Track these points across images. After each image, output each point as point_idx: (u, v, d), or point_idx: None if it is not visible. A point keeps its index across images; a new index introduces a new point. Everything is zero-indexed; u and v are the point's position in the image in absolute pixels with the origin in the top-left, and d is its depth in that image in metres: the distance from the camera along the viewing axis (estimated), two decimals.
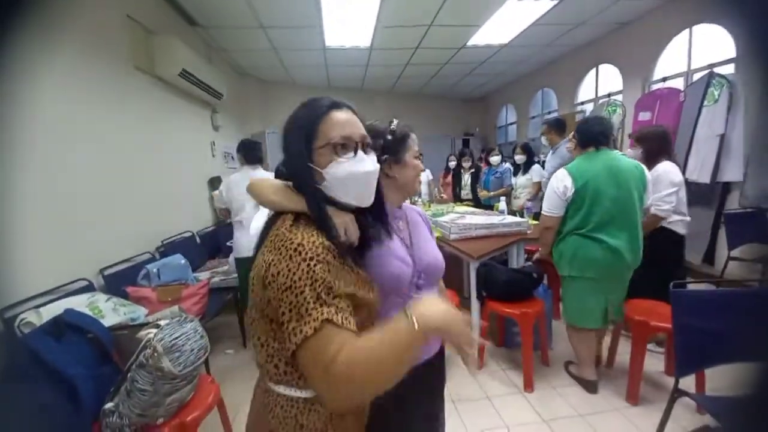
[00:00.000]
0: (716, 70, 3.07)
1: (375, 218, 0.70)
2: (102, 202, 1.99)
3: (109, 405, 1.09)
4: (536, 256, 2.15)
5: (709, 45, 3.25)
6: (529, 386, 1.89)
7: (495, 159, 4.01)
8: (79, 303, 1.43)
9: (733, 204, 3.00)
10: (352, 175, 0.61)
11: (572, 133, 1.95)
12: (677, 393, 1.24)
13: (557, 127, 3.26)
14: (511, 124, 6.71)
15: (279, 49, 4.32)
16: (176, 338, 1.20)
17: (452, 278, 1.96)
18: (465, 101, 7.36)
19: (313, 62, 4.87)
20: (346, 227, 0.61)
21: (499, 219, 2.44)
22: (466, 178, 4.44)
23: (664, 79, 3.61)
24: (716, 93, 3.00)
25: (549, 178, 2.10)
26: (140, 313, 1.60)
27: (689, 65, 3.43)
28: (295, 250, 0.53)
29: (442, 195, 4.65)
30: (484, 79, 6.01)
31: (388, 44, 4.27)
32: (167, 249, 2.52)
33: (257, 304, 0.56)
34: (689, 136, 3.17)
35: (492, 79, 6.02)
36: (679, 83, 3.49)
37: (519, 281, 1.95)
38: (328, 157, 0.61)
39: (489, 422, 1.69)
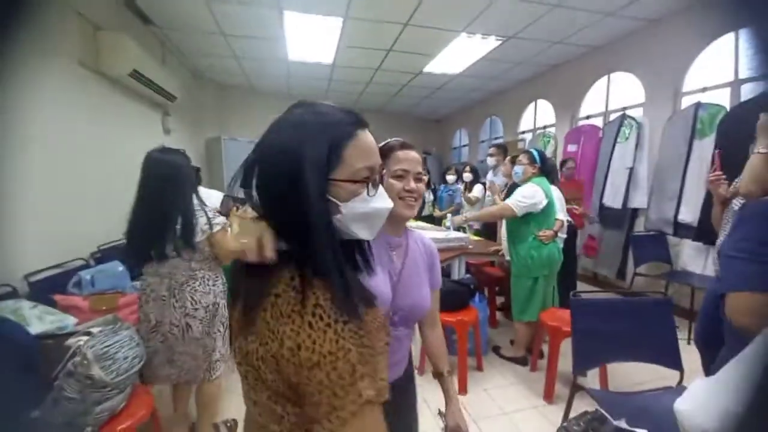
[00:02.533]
0: (628, 112, 3.64)
1: (357, 248, 0.56)
2: (31, 202, 1.86)
3: (34, 414, 1.05)
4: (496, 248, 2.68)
5: (623, 90, 3.83)
6: (462, 389, 2.06)
7: (450, 178, 4.31)
8: (1, 310, 1.34)
9: (639, 227, 3.52)
10: (377, 211, 0.51)
11: (522, 155, 2.37)
12: (575, 388, 1.45)
13: (504, 151, 3.73)
14: (464, 146, 7.20)
15: (240, 57, 4.32)
16: (109, 346, 1.18)
17: None
18: (424, 121, 7.77)
19: (275, 72, 4.91)
20: (262, 240, 0.46)
21: (444, 235, 2.65)
22: (427, 196, 4.59)
23: (588, 117, 4.17)
24: (627, 132, 3.55)
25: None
26: (69, 322, 1.52)
27: (607, 106, 4.01)
28: (314, 314, 0.42)
29: None
30: (440, 103, 6.42)
31: (351, 63, 4.46)
32: (104, 255, 2.38)
33: (267, 385, 0.44)
34: (606, 167, 3.68)
35: (448, 103, 6.45)
36: (599, 121, 4.05)
37: (458, 292, 2.13)
38: (348, 188, 0.48)
39: (422, 424, 1.81)
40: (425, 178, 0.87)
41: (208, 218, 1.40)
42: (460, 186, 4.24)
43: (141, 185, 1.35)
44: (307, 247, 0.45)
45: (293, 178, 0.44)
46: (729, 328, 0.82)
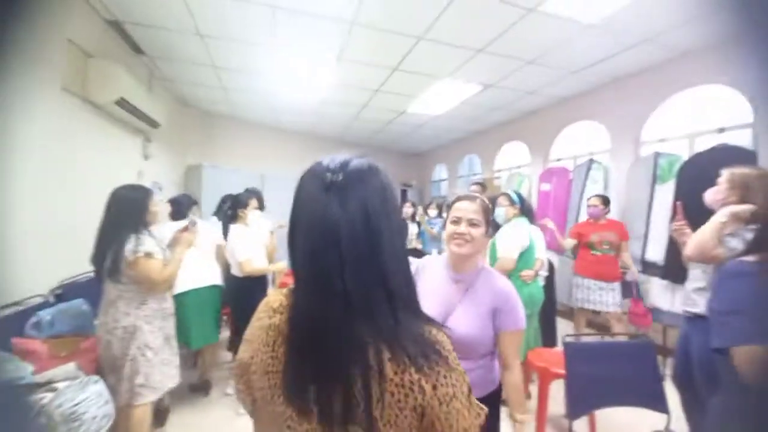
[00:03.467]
0: (596, 156, 3.94)
1: None
2: None
3: None
4: None
5: (591, 136, 4.18)
6: None
7: (433, 212, 4.41)
8: None
9: None
10: None
11: (501, 197, 2.47)
12: None
13: (484, 189, 3.88)
14: (444, 180, 7.46)
15: (229, 89, 4.37)
16: (77, 405, 1.06)
17: None
18: (406, 156, 8.03)
19: (264, 105, 4.98)
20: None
21: None
22: (413, 228, 4.53)
23: (559, 160, 4.48)
24: (595, 175, 3.83)
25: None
26: (27, 371, 1.35)
27: (575, 151, 4.34)
28: (450, 351, 0.49)
29: None
30: (422, 140, 6.70)
31: (340, 101, 4.61)
32: (66, 291, 2.18)
33: None
34: (577, 208, 3.92)
35: (428, 140, 6.75)
36: (569, 163, 4.36)
37: None
38: None
39: None
40: (480, 225, 1.04)
41: (135, 245, 1.51)
42: (442, 219, 4.34)
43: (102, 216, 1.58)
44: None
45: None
46: (728, 376, 0.87)
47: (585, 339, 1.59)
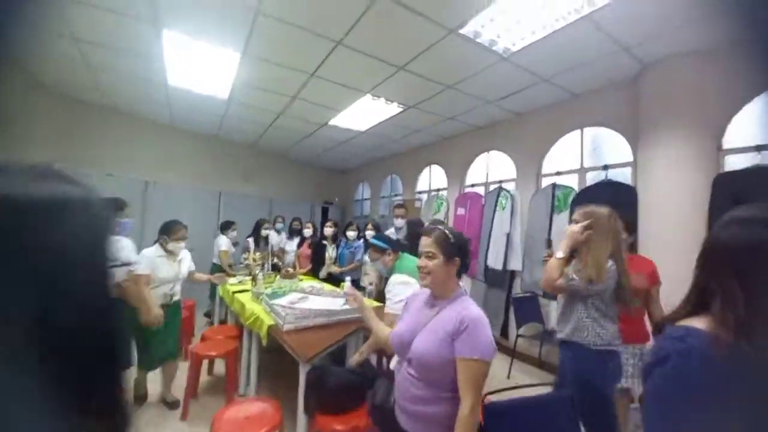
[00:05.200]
0: (504, 185, 4.18)
1: None
2: None
3: None
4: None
5: (500, 165, 4.43)
6: None
7: (351, 234, 4.04)
8: None
9: (518, 288, 3.87)
10: None
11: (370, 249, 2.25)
12: None
13: (405, 210, 3.84)
14: (366, 199, 7.29)
15: (96, 68, 3.49)
16: None
17: None
18: (329, 171, 7.68)
19: (152, 97, 4.15)
20: None
21: (341, 304, 2.31)
22: (332, 251, 4.12)
23: (473, 185, 4.66)
24: (504, 202, 4.03)
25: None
26: None
27: (487, 178, 4.57)
28: None
29: (288, 269, 3.93)
30: (344, 156, 6.46)
31: (250, 102, 4.08)
32: None
33: None
34: (489, 232, 4.06)
35: (351, 158, 6.54)
36: (482, 189, 4.55)
37: (353, 385, 1.67)
38: None
39: None
40: (435, 256, 1.15)
41: None
42: (362, 243, 4.05)
43: None
44: None
45: None
46: None
47: (506, 397, 1.37)
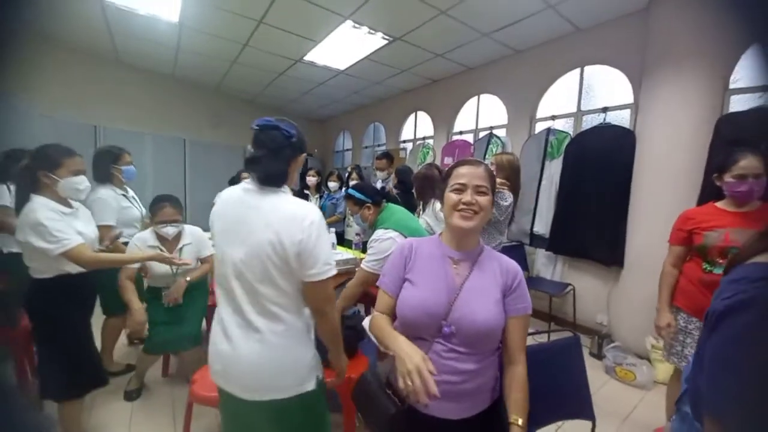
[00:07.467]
0: (495, 131, 3.94)
1: None
2: None
3: None
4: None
5: (491, 111, 4.15)
6: None
7: (333, 185, 3.82)
8: None
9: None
10: None
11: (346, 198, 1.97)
12: None
13: (391, 161, 3.65)
14: (348, 150, 6.90)
15: None
16: None
17: None
18: (306, 121, 7.11)
19: (87, 21, 3.46)
20: None
21: None
22: (315, 202, 3.84)
23: (461, 133, 4.40)
24: (494, 149, 3.82)
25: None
26: None
27: (477, 125, 4.30)
28: None
29: None
30: (323, 101, 5.93)
31: (206, 28, 3.49)
32: None
33: None
34: None
35: (330, 104, 6.02)
36: (470, 137, 4.31)
37: (344, 337, 1.58)
38: None
39: None
40: (488, 192, 0.90)
41: None
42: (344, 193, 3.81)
43: None
44: None
45: None
46: None
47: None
